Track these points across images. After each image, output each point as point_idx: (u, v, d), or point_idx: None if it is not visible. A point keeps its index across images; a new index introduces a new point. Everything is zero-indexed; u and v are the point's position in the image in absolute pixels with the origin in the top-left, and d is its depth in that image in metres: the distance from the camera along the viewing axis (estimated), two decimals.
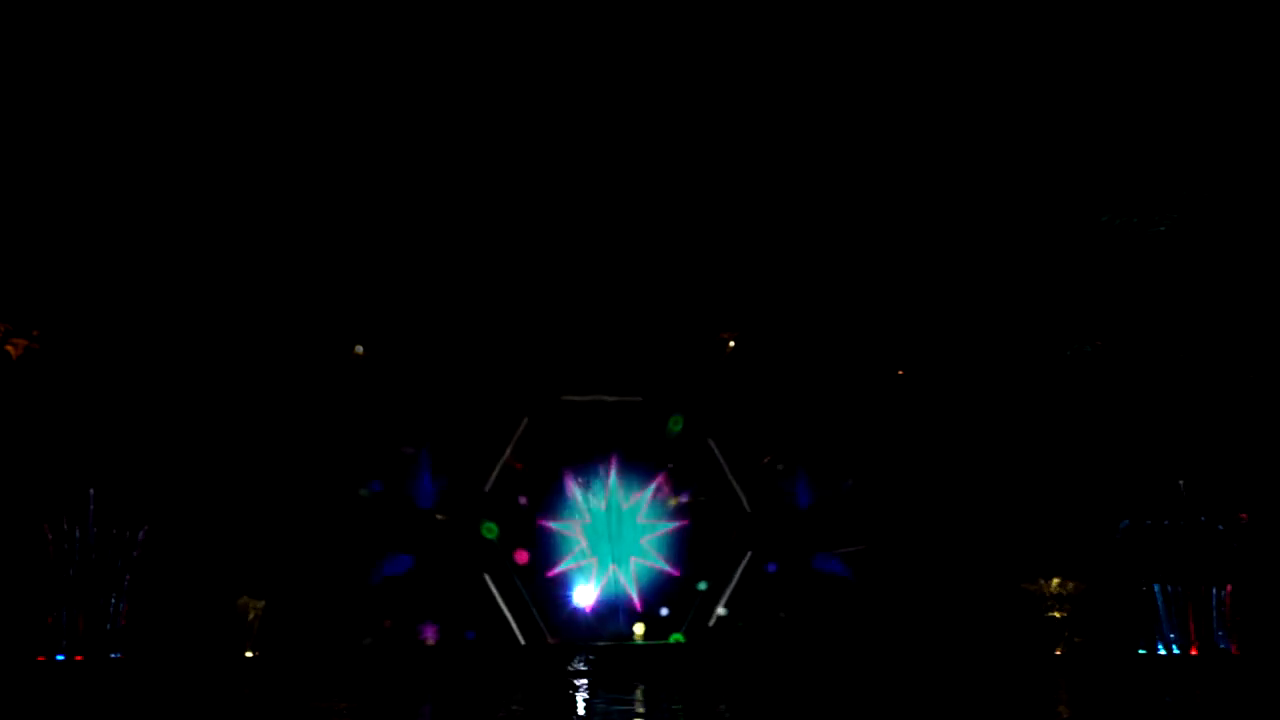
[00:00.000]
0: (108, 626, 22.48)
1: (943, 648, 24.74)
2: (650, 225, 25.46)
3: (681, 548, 28.03)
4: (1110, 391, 25.77)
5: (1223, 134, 21.88)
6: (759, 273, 26.54)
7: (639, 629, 27.03)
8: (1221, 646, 23.15)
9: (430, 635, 25.96)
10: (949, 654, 24.43)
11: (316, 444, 25.82)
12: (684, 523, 28.13)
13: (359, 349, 26.69)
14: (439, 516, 26.56)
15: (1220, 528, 23.87)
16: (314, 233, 24.58)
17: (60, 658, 21.84)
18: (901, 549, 26.82)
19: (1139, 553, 24.29)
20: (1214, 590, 23.54)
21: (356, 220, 24.58)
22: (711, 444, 27.98)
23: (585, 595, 27.51)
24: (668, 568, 27.91)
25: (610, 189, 24.65)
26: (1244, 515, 23.92)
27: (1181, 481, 24.16)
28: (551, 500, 27.92)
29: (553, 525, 27.86)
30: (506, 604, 26.67)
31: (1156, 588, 23.95)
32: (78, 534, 22.43)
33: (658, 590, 27.74)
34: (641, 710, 15.52)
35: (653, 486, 28.30)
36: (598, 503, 28.06)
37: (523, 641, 26.49)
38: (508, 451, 27.18)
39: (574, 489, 28.03)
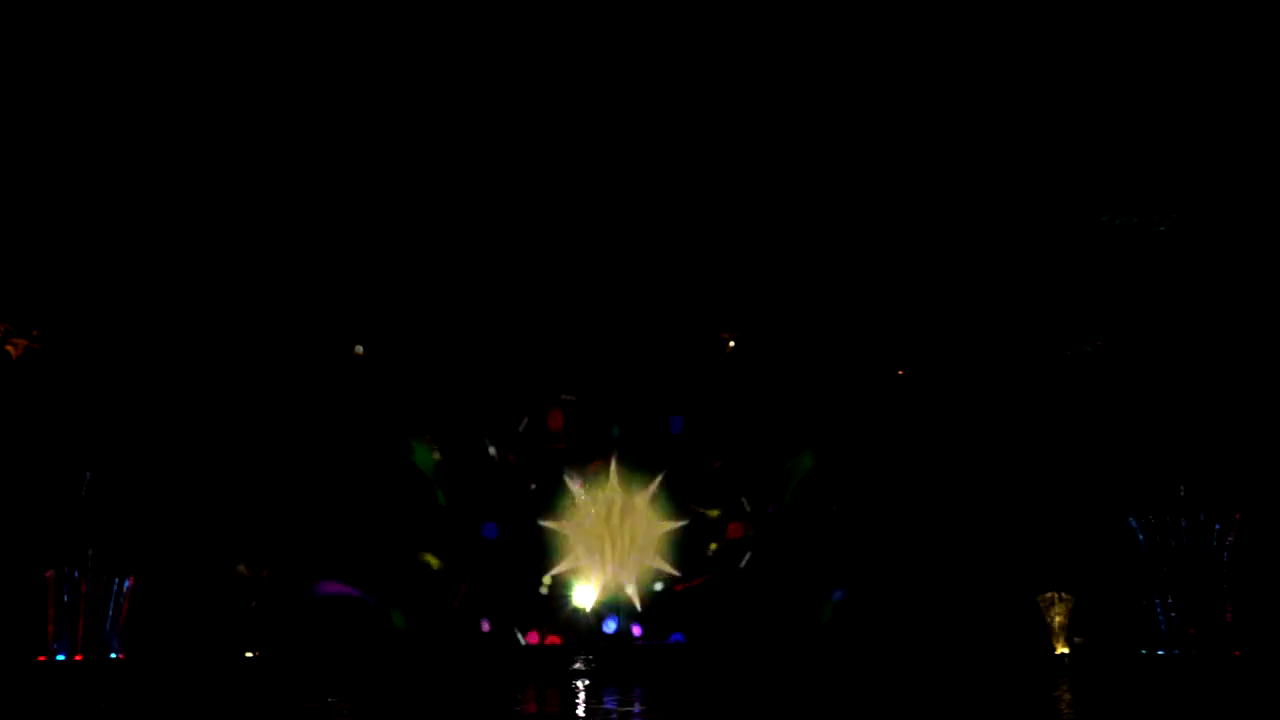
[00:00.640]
0: (108, 627, 22.49)
1: (943, 647, 24.72)
2: (650, 225, 25.45)
3: (681, 547, 28.00)
4: (1110, 391, 25.76)
5: (1222, 134, 21.88)
6: (760, 273, 26.52)
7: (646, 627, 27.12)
8: (1221, 646, 23.16)
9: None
10: (949, 654, 24.41)
11: (315, 444, 25.81)
12: (683, 522, 28.10)
13: (359, 349, 26.67)
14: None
15: (1218, 527, 23.90)
16: (313, 233, 24.57)
17: (60, 658, 21.86)
18: (901, 549, 26.79)
19: (1139, 552, 24.29)
20: (1212, 590, 23.56)
21: (356, 220, 24.56)
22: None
23: (585, 595, 27.51)
24: (668, 568, 27.89)
25: (610, 189, 24.64)
26: (1237, 515, 23.95)
27: (1182, 487, 24.16)
28: (551, 500, 27.90)
29: (552, 525, 27.85)
30: (506, 604, 26.71)
31: (1156, 587, 23.96)
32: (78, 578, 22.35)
33: (658, 590, 27.71)
34: (641, 710, 15.52)
35: (653, 486, 28.25)
36: (598, 503, 28.03)
37: (523, 642, 26.52)
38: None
39: (574, 489, 28.00)
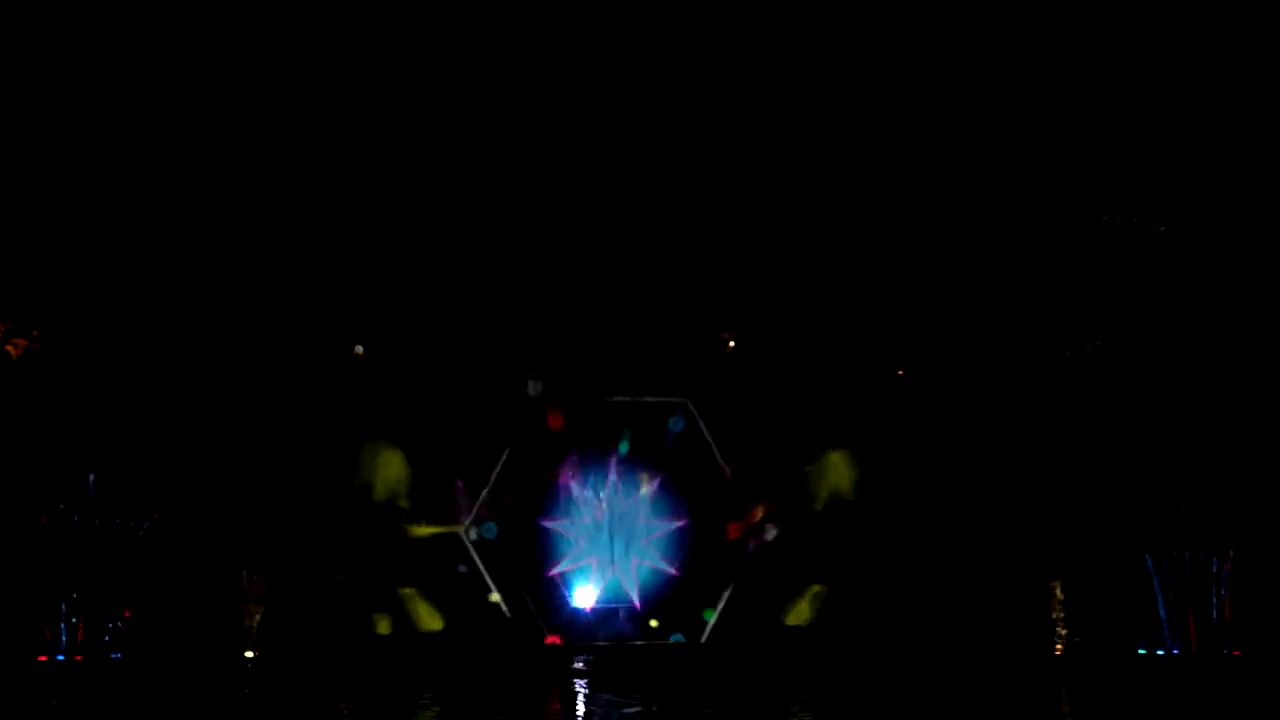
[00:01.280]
0: (108, 626, 22.47)
1: (943, 646, 24.72)
2: (650, 226, 25.45)
3: (682, 547, 27.97)
4: (1110, 391, 25.76)
5: (1222, 134, 21.89)
6: (760, 274, 26.52)
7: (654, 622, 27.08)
8: (1221, 647, 23.15)
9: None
10: (949, 653, 24.41)
11: (316, 444, 25.79)
12: (683, 522, 28.06)
13: (359, 349, 26.65)
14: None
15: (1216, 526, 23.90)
16: (315, 233, 24.58)
17: (60, 658, 21.84)
18: (900, 548, 26.78)
19: (1139, 552, 24.29)
20: (1213, 590, 23.55)
21: (356, 220, 24.57)
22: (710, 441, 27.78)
23: (585, 596, 27.47)
24: (668, 568, 27.85)
25: (610, 189, 24.65)
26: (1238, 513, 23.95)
27: (1181, 492, 24.16)
28: (551, 500, 27.88)
29: (552, 525, 27.83)
30: (507, 604, 26.68)
31: (1156, 587, 23.95)
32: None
33: (658, 590, 27.68)
34: (640, 710, 15.51)
35: (653, 486, 28.21)
36: (598, 502, 28.01)
37: (523, 641, 26.47)
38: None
39: (574, 488, 27.98)
